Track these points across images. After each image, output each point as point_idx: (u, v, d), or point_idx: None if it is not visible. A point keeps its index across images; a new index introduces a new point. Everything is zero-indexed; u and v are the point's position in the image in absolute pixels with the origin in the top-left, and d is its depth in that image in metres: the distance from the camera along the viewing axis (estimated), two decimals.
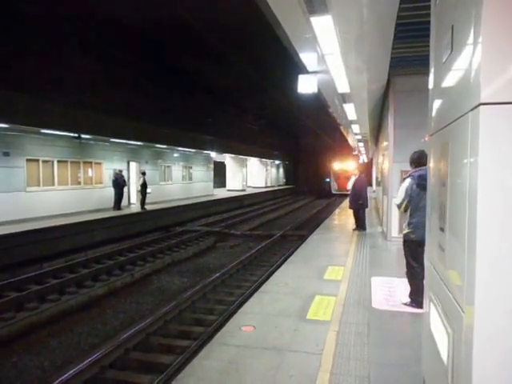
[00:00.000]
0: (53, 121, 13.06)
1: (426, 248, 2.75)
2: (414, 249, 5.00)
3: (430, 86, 2.60)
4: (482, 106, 1.54)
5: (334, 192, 41.37)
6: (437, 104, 2.46)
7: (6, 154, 12.69)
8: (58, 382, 4.59)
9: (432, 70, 2.57)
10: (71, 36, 13.78)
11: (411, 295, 5.26)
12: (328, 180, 44.11)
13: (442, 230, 2.16)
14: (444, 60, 2.15)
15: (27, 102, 12.02)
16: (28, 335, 6.46)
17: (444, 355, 1.95)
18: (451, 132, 2.02)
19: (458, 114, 1.82)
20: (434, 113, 2.54)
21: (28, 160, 13.57)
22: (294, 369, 3.59)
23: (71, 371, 4.79)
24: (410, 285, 5.29)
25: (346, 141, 31.47)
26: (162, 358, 5.36)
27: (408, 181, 5.06)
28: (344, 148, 40.39)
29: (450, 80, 2.09)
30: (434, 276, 2.38)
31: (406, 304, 5.27)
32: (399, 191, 5.17)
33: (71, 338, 6.41)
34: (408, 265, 5.24)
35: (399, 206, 5.16)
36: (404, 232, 5.17)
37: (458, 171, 1.89)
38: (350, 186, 12.05)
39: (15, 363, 5.56)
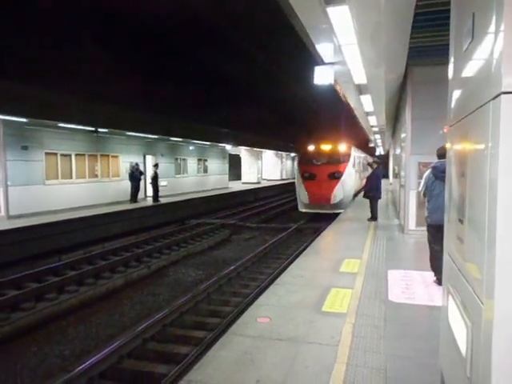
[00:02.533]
0: (71, 115, 13.20)
1: (445, 239, 2.72)
2: (432, 233, 5.62)
3: (450, 75, 2.55)
4: (503, 95, 1.51)
5: (301, 209, 17.80)
6: (456, 94, 2.41)
7: (25, 148, 12.91)
8: (78, 370, 4.69)
9: (452, 60, 2.52)
10: (85, 29, 13.86)
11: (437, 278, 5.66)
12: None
13: (460, 221, 2.13)
14: (464, 49, 2.11)
15: (45, 96, 12.16)
16: (47, 325, 6.60)
17: (463, 347, 1.93)
18: (471, 122, 1.98)
19: (479, 104, 1.79)
20: (453, 103, 2.49)
21: (47, 154, 13.79)
22: (309, 360, 3.60)
23: (91, 360, 4.89)
24: (432, 266, 5.80)
25: (363, 132, 30.87)
26: (179, 349, 5.43)
27: (427, 171, 5.76)
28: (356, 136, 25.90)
29: (470, 69, 2.05)
30: (452, 268, 2.35)
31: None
32: (422, 180, 5.88)
33: (90, 328, 6.53)
34: (429, 245, 5.86)
35: (421, 193, 5.89)
36: (425, 216, 5.86)
37: (477, 162, 1.85)
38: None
39: (36, 352, 5.70)
